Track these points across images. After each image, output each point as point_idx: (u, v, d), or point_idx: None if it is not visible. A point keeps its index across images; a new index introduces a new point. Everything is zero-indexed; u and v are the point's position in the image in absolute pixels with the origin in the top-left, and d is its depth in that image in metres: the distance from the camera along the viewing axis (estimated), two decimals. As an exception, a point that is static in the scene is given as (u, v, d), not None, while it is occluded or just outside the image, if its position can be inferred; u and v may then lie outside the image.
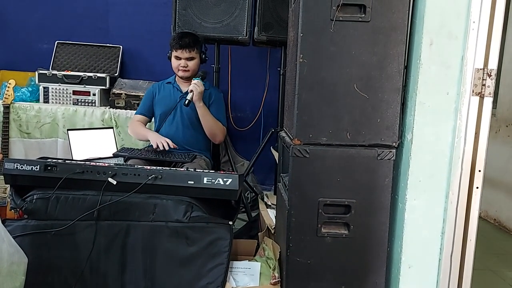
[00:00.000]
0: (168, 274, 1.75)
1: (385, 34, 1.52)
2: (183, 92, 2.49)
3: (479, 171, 1.55)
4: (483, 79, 1.50)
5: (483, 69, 1.50)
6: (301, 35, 1.53)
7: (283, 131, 1.97)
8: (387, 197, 1.60)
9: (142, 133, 2.49)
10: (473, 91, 1.51)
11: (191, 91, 2.31)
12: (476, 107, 1.53)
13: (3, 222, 1.60)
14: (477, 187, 1.55)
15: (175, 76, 2.57)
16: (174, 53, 2.45)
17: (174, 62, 2.48)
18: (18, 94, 3.14)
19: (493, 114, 3.38)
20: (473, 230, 1.57)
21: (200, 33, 2.69)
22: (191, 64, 2.46)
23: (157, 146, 2.31)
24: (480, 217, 1.58)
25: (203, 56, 2.52)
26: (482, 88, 1.51)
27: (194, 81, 2.35)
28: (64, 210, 1.76)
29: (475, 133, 1.54)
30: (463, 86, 1.51)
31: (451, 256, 1.58)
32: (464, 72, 1.50)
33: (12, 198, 1.82)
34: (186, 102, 2.29)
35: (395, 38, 1.52)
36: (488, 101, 1.52)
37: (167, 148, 2.30)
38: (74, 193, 1.77)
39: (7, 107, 2.98)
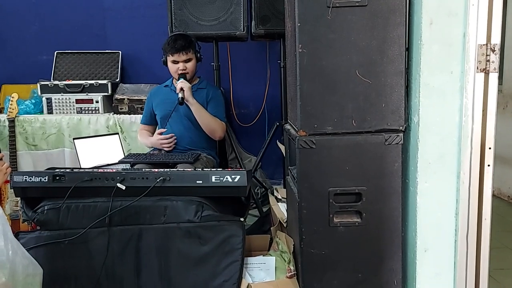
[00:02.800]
0: (183, 274, 1.75)
1: (383, 17, 1.50)
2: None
3: (489, 148, 1.53)
4: (487, 55, 1.48)
5: (486, 44, 1.48)
6: (299, 24, 1.51)
7: (288, 124, 1.95)
8: (398, 182, 1.58)
9: (145, 142, 2.61)
10: (477, 68, 1.49)
11: (181, 89, 2.34)
12: (481, 84, 1.50)
13: (16, 235, 1.61)
14: (489, 165, 1.53)
15: (172, 79, 2.56)
16: (170, 58, 2.43)
17: (172, 67, 2.46)
18: (22, 107, 3.16)
19: (500, 90, 3.33)
20: (487, 208, 1.55)
21: (197, 32, 2.68)
22: (190, 66, 2.45)
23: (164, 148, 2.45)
24: (493, 195, 1.56)
25: (198, 55, 2.51)
26: (486, 64, 1.48)
27: (179, 80, 2.38)
28: (75, 218, 1.77)
29: (483, 110, 1.51)
30: (467, 63, 1.49)
31: (467, 236, 1.56)
32: (467, 49, 1.48)
33: (23, 211, 1.83)
34: (180, 100, 2.33)
35: (394, 20, 1.50)
36: (493, 77, 1.50)
37: (171, 146, 2.44)
38: (84, 201, 1.78)
39: (12, 121, 2.99)
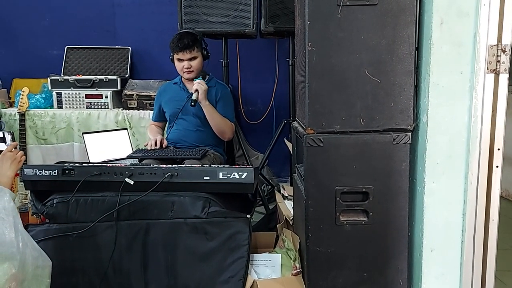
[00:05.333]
0: (190, 269, 1.76)
1: (393, 16, 1.49)
2: (190, 91, 2.48)
3: (498, 149, 1.52)
4: (497, 56, 1.47)
5: (497, 45, 1.47)
6: (308, 22, 1.51)
7: (295, 122, 1.96)
8: (405, 181, 1.58)
9: (149, 136, 2.61)
10: (487, 68, 1.48)
11: (196, 90, 2.33)
12: (491, 84, 1.49)
13: (26, 228, 1.63)
14: (497, 166, 1.52)
15: (181, 77, 2.57)
16: (175, 56, 2.44)
17: (178, 65, 2.47)
18: (32, 101, 3.19)
19: (510, 91, 3.30)
20: (495, 210, 1.54)
21: (207, 29, 2.68)
22: (195, 64, 2.45)
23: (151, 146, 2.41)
24: (501, 197, 1.56)
25: (205, 52, 2.51)
26: (497, 65, 1.47)
27: (197, 80, 2.37)
28: (84, 212, 1.79)
29: (492, 111, 1.51)
30: (477, 64, 1.48)
31: (473, 237, 1.56)
32: (478, 50, 1.47)
33: (33, 204, 1.85)
34: (193, 103, 2.31)
35: (404, 19, 1.49)
36: (504, 78, 1.49)
37: (153, 147, 2.38)
38: (93, 195, 1.80)
39: (22, 115, 3.03)
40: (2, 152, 1.70)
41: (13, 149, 1.71)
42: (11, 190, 1.52)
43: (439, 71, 1.50)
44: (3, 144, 1.83)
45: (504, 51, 1.47)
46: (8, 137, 1.89)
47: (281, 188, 2.64)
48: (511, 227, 2.89)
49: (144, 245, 1.78)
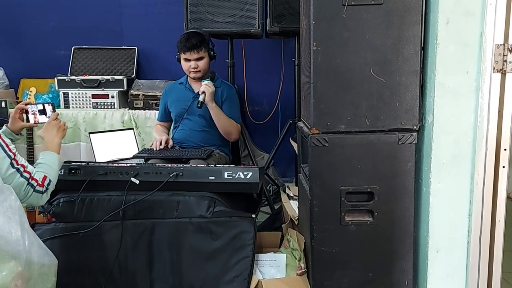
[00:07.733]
0: (195, 269, 1.77)
1: (399, 16, 1.49)
2: (195, 92, 2.48)
3: (505, 149, 1.51)
4: (504, 55, 1.46)
5: (504, 44, 1.46)
6: (314, 22, 1.51)
7: (301, 122, 1.95)
8: (411, 181, 1.58)
9: (155, 136, 2.61)
10: (494, 68, 1.47)
11: (203, 92, 2.32)
12: (498, 84, 1.48)
13: (32, 226, 1.64)
14: (504, 166, 1.51)
15: (187, 77, 2.57)
16: (182, 56, 2.45)
17: (184, 65, 2.48)
18: (40, 101, 3.20)
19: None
20: (501, 210, 1.53)
21: (212, 29, 2.69)
22: (201, 64, 2.45)
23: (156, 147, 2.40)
24: (507, 197, 1.54)
25: (212, 52, 2.51)
26: (503, 65, 1.46)
27: (204, 82, 2.36)
28: (90, 211, 1.80)
29: (499, 111, 1.50)
30: (483, 63, 1.47)
31: (479, 238, 1.55)
32: (484, 49, 1.46)
33: (39, 203, 1.86)
34: (199, 104, 2.31)
35: (410, 19, 1.49)
36: (510, 78, 1.47)
37: (158, 147, 2.37)
38: (98, 194, 1.81)
39: (29, 115, 3.04)
40: (47, 121, 1.79)
41: (56, 119, 1.79)
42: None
43: (445, 71, 1.49)
44: (44, 116, 1.91)
45: (510, 51, 1.46)
46: (49, 108, 1.95)
47: (286, 188, 2.64)
48: (518, 228, 2.86)
49: (149, 245, 1.79)
